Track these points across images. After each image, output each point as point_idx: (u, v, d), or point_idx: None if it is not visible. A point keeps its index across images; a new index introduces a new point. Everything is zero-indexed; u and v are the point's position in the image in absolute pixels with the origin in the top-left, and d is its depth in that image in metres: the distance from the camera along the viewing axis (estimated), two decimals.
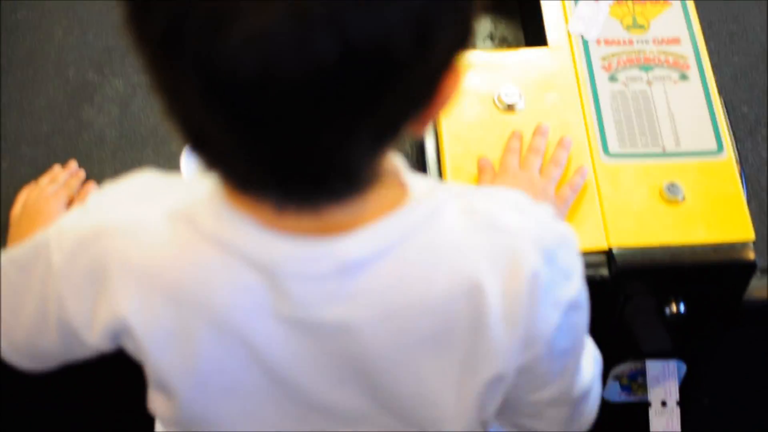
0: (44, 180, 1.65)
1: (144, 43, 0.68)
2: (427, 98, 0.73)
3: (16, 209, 1.58)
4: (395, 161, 0.85)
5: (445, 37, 0.69)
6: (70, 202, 1.61)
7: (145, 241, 0.85)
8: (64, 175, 1.68)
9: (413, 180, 0.85)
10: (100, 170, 1.75)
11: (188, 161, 1.66)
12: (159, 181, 0.89)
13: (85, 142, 1.79)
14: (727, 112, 1.67)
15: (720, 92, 1.65)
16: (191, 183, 0.93)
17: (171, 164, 1.73)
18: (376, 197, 0.79)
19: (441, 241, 0.83)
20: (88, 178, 1.70)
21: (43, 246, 0.91)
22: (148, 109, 1.85)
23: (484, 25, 1.91)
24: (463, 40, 0.73)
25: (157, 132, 1.83)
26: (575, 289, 0.91)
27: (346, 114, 0.67)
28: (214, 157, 0.74)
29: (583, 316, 0.94)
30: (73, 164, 1.71)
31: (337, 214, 0.78)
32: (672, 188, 1.49)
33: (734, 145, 1.59)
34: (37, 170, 1.69)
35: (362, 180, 0.76)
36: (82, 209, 0.92)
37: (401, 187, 0.84)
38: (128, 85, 1.88)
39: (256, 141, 0.69)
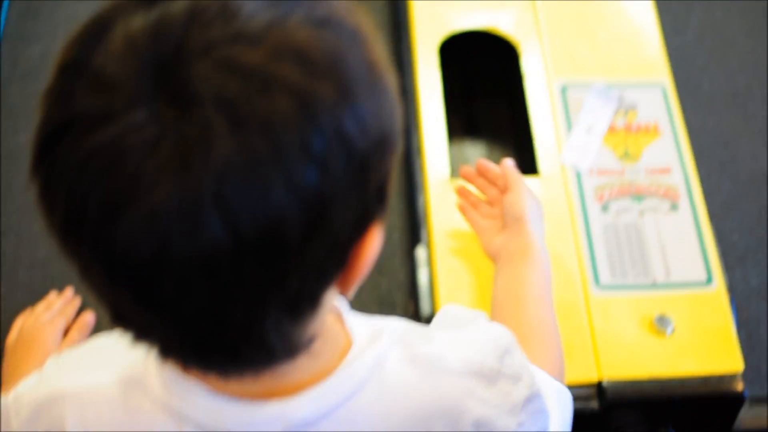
0: (40, 307, 1.64)
1: (50, 226, 0.66)
2: (339, 268, 0.71)
3: (12, 336, 1.58)
4: (335, 306, 0.83)
5: (345, 214, 0.66)
6: (66, 330, 1.61)
7: (100, 408, 0.84)
8: (60, 303, 1.67)
9: (355, 326, 0.84)
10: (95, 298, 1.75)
11: None
12: (116, 345, 0.88)
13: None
14: (718, 240, 1.68)
15: (710, 220, 1.67)
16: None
17: None
18: (316, 355, 0.77)
19: (387, 394, 0.82)
20: (83, 305, 1.69)
21: (4, 412, 0.91)
22: None
23: (474, 149, 1.94)
24: (370, 213, 0.70)
25: None
26: (528, 387, 0.91)
27: (250, 293, 0.65)
28: (133, 330, 0.72)
29: (545, 421, 0.95)
30: (69, 291, 1.71)
31: (279, 377, 0.77)
32: (662, 321, 1.50)
33: (724, 275, 1.59)
34: (33, 296, 1.68)
35: (287, 348, 0.72)
36: (39, 375, 0.91)
37: (343, 336, 0.83)
38: None
39: (164, 319, 0.67)
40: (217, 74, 0.60)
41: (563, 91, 1.76)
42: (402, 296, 1.79)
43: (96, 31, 0.65)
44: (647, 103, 1.77)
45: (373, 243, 0.71)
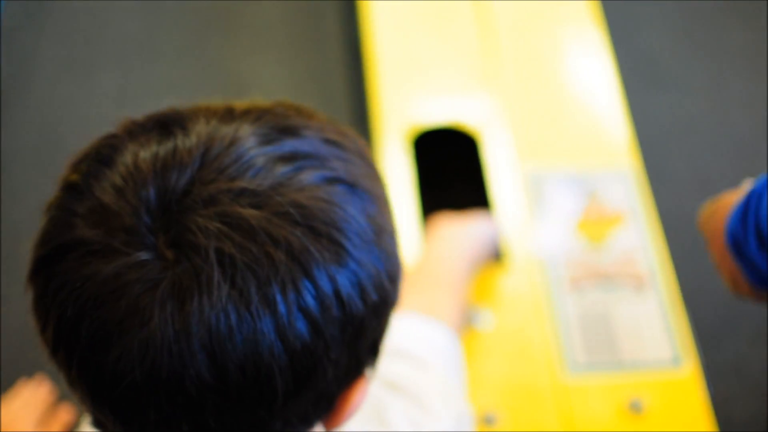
0: (5, 399, 1.62)
1: (41, 336, 0.68)
2: (324, 414, 0.71)
3: None
4: None
5: (335, 371, 0.67)
6: (41, 418, 1.58)
7: None
8: (29, 393, 1.65)
9: None
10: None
11: None
12: None
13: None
14: (689, 319, 1.68)
15: (684, 300, 1.67)
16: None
17: None
18: None
19: None
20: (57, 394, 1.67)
21: None
22: None
23: None
24: (360, 366, 0.71)
25: None
26: None
27: (232, 428, 0.65)
28: None
29: None
30: (40, 380, 1.69)
31: None
32: (635, 403, 1.49)
33: (697, 355, 1.59)
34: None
35: None
36: None
37: None
38: None
39: None
40: (218, 227, 0.61)
41: (531, 179, 1.78)
42: None
43: (101, 155, 0.67)
44: (615, 189, 1.79)
45: (361, 390, 0.72)
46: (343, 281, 0.64)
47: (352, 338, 0.66)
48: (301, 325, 0.62)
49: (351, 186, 0.67)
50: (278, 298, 0.61)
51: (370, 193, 0.68)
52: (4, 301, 1.82)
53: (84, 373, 0.64)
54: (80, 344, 0.63)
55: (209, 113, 0.68)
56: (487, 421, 1.46)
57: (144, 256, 0.62)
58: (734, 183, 2.26)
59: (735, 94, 2.50)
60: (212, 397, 0.62)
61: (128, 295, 0.61)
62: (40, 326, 0.67)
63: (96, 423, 0.70)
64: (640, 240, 1.72)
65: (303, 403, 0.67)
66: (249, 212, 0.62)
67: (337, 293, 0.64)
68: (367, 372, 0.72)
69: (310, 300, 0.62)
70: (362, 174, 0.69)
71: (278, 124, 0.68)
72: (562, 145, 1.86)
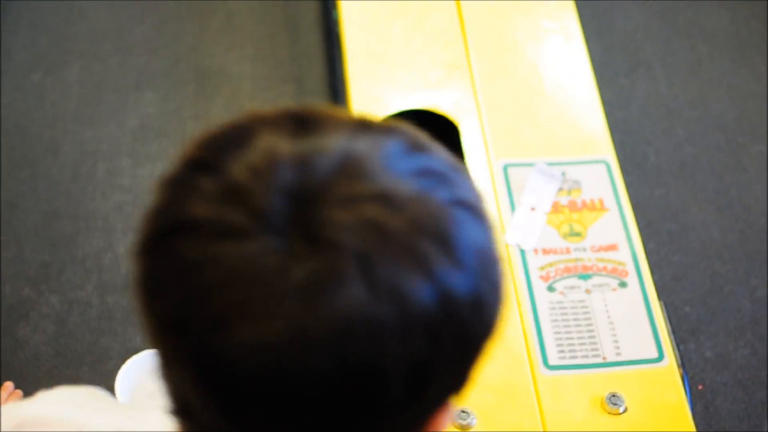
0: None
1: (146, 311, 0.66)
2: (413, 430, 0.72)
3: None
4: None
5: (438, 388, 0.67)
6: None
7: None
8: (2, 397, 1.63)
9: None
10: (35, 390, 1.71)
11: (123, 381, 1.63)
12: (107, 399, 0.87)
13: (20, 360, 1.75)
14: (669, 313, 1.66)
15: (661, 293, 1.65)
16: (140, 411, 0.90)
17: (107, 383, 1.70)
18: None
19: None
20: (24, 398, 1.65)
21: None
22: (84, 326, 1.83)
23: None
24: (458, 387, 0.71)
25: (93, 350, 1.80)
26: None
27: (324, 425, 0.65)
28: (194, 428, 0.71)
29: None
30: (8, 385, 1.67)
31: None
32: (613, 399, 1.47)
33: (676, 349, 1.58)
34: None
35: None
36: (29, 400, 0.89)
37: None
38: (64, 302, 1.86)
39: (237, 428, 0.67)
40: (358, 228, 0.61)
41: (505, 169, 1.76)
42: None
43: (234, 137, 0.65)
44: (591, 179, 1.77)
45: (445, 416, 0.72)
46: (464, 300, 0.64)
47: (460, 358, 0.67)
48: (424, 335, 0.62)
49: (474, 212, 0.67)
50: (408, 303, 0.61)
51: (487, 221, 0.69)
52: None
53: (197, 353, 0.63)
54: (199, 325, 0.62)
55: (343, 119, 0.67)
56: (462, 418, 1.44)
57: (276, 242, 0.60)
58: (712, 169, 2.25)
59: (714, 77, 2.48)
60: (324, 396, 0.62)
61: (257, 281, 0.60)
62: (146, 300, 0.65)
63: (181, 411, 0.70)
64: (618, 232, 1.70)
65: (405, 418, 0.67)
66: (387, 217, 0.61)
67: (457, 310, 0.64)
68: (452, 399, 0.72)
69: (435, 311, 0.62)
70: (481, 203, 0.69)
71: (411, 141, 0.67)
72: (537, 134, 1.84)
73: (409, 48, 1.96)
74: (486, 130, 1.82)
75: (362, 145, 0.64)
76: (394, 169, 0.64)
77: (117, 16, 2.45)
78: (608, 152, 1.82)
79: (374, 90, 1.88)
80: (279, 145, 0.63)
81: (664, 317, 1.61)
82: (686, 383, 1.56)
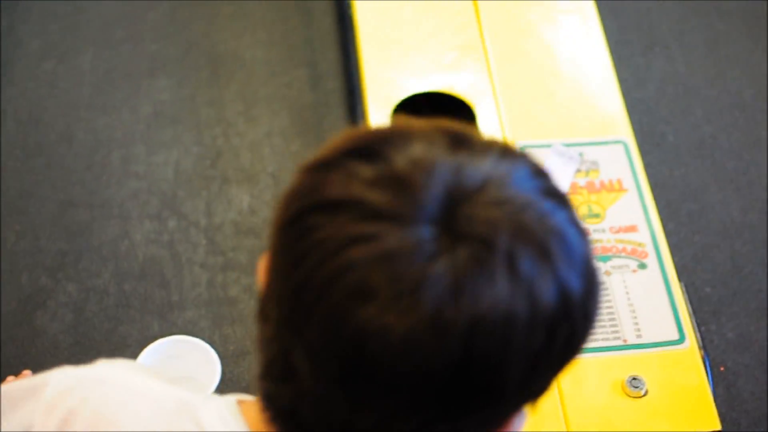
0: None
1: (283, 283, 0.71)
2: (492, 429, 0.76)
3: None
4: None
5: (537, 385, 0.72)
6: None
7: (145, 408, 0.84)
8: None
9: None
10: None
11: None
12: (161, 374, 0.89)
13: (38, 349, 1.75)
14: (690, 294, 1.65)
15: (681, 274, 1.64)
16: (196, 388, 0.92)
17: None
18: None
19: None
20: None
21: (42, 383, 0.87)
22: (102, 314, 1.83)
23: None
24: (537, 394, 0.75)
25: (111, 338, 1.80)
26: None
27: (426, 414, 0.70)
28: (287, 394, 0.75)
29: None
30: (27, 374, 1.67)
31: None
32: (634, 382, 1.46)
33: (697, 331, 1.56)
34: None
35: None
36: (90, 365, 0.89)
37: None
38: (82, 290, 1.86)
39: (346, 406, 0.71)
40: (506, 226, 0.66)
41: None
42: None
43: (395, 136, 0.71)
44: (609, 160, 1.75)
45: (519, 420, 0.77)
46: (577, 302, 0.69)
47: (562, 358, 0.72)
48: (544, 330, 0.67)
49: (586, 237, 0.73)
50: (539, 299, 0.66)
51: (593, 247, 0.75)
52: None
53: (329, 318, 0.67)
54: (338, 291, 0.66)
55: (491, 143, 0.73)
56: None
57: (426, 231, 0.65)
58: (731, 148, 2.23)
59: (731, 55, 2.46)
60: (446, 378, 0.66)
61: (404, 262, 0.65)
62: (287, 265, 0.70)
63: (282, 375, 0.73)
64: (637, 213, 1.68)
65: (503, 408, 0.72)
66: (532, 222, 0.68)
67: (571, 310, 0.69)
68: (530, 404, 0.77)
69: (557, 309, 0.68)
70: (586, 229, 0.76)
71: (536, 165, 0.74)
72: (553, 115, 1.82)
73: (422, 30, 1.94)
74: (502, 111, 1.80)
75: (506, 165, 0.70)
76: (530, 186, 0.70)
77: (128, 2, 2.44)
78: (626, 132, 1.80)
79: (388, 73, 1.86)
80: (437, 150, 0.69)
81: (685, 299, 1.59)
82: (707, 365, 1.54)
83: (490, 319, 0.65)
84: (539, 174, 0.73)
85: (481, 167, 0.69)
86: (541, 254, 0.67)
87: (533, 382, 0.71)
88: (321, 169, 0.71)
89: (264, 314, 0.75)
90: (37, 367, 1.69)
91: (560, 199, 0.73)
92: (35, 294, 1.85)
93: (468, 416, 0.70)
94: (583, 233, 0.73)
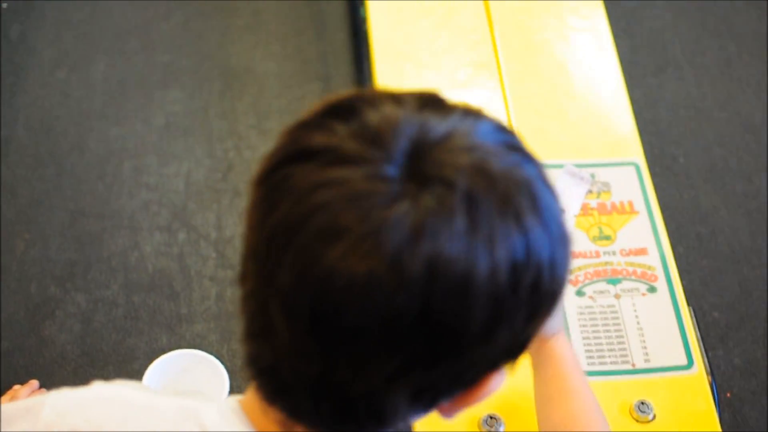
0: (4, 400, 1.60)
1: (257, 234, 0.74)
2: (465, 388, 0.79)
3: None
4: None
5: (505, 338, 0.74)
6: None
7: (147, 422, 0.85)
8: (25, 394, 1.63)
9: None
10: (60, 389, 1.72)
11: (150, 381, 1.62)
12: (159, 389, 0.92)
13: (46, 359, 1.75)
14: (697, 318, 1.64)
15: (690, 298, 1.63)
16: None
17: (133, 380, 1.70)
18: None
19: None
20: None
21: (38, 403, 0.88)
22: (110, 326, 1.83)
23: None
24: (511, 353, 0.78)
25: (119, 349, 1.80)
26: None
27: (397, 366, 0.72)
28: (265, 353, 0.78)
29: None
30: (34, 383, 1.67)
31: None
32: (642, 406, 1.46)
33: (705, 356, 1.56)
34: None
35: (387, 425, 0.79)
36: (86, 387, 0.90)
37: None
38: (90, 300, 1.86)
39: (317, 354, 0.73)
40: (468, 170, 0.70)
41: None
42: None
43: (370, 96, 0.75)
44: (621, 182, 1.75)
45: (498, 379, 0.80)
46: (545, 253, 0.72)
47: (530, 310, 0.74)
48: (507, 273, 0.70)
49: (553, 192, 0.77)
50: (499, 242, 0.69)
51: (561, 203, 0.78)
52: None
53: (298, 260, 0.70)
54: (306, 233, 0.70)
55: (456, 104, 0.77)
56: (490, 425, 1.43)
57: (391, 170, 0.69)
58: (741, 172, 2.23)
59: (744, 77, 2.46)
60: (410, 320, 0.69)
61: (368, 202, 0.68)
62: (260, 215, 0.74)
63: (259, 333, 0.76)
64: (647, 236, 1.68)
65: (471, 358, 0.74)
66: (497, 169, 0.71)
67: (539, 259, 0.72)
68: (507, 364, 0.79)
69: (520, 254, 0.70)
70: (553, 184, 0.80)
71: (501, 123, 0.78)
72: (566, 135, 1.82)
73: (436, 47, 1.95)
74: (514, 130, 1.80)
75: (470, 121, 0.75)
76: (494, 139, 0.74)
77: (142, 13, 2.45)
78: (638, 154, 1.80)
79: (399, 83, 1.86)
80: (406, 109, 0.74)
81: (693, 323, 1.59)
82: (715, 391, 1.54)
83: (448, 260, 0.68)
84: (504, 130, 0.77)
85: (446, 122, 0.73)
86: (504, 199, 0.70)
87: (500, 330, 0.72)
88: (300, 128, 0.74)
89: (243, 273, 0.78)
90: (44, 377, 1.70)
91: (527, 155, 0.76)
92: (43, 303, 1.85)
93: (438, 364, 0.73)
94: (553, 193, 0.76)
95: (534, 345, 1.34)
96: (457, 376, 0.76)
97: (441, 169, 0.70)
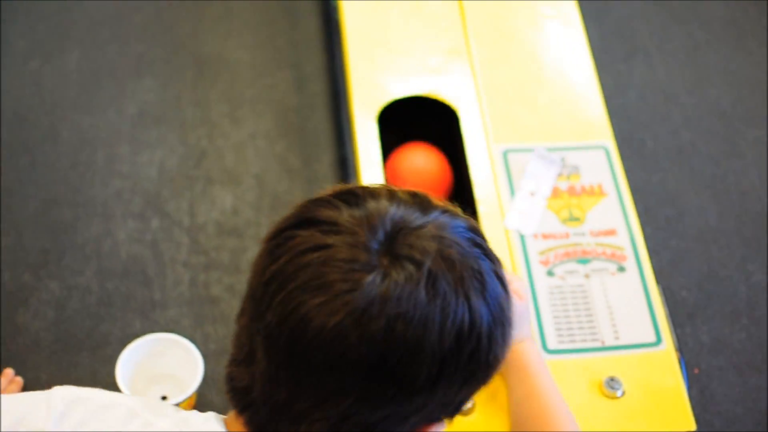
0: None
1: (257, 278, 0.88)
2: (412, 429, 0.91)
3: None
4: None
5: (445, 392, 0.87)
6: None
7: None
8: (2, 384, 1.64)
9: None
10: (35, 375, 1.72)
11: (124, 366, 1.63)
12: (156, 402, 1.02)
13: (20, 346, 1.76)
14: (666, 297, 1.67)
15: (659, 278, 1.66)
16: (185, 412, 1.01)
17: (106, 368, 1.71)
18: None
19: None
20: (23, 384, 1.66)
21: (44, 396, 0.95)
22: (84, 312, 1.83)
23: None
24: (453, 407, 0.92)
25: (93, 335, 1.80)
26: None
27: (355, 396, 0.84)
28: (244, 377, 0.90)
29: None
30: (8, 372, 1.68)
31: None
32: (612, 383, 1.48)
33: (673, 333, 1.58)
34: None
35: None
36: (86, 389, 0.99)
37: None
38: (64, 288, 1.87)
39: (284, 386, 0.86)
40: (434, 255, 0.85)
41: (505, 155, 1.76)
42: None
43: (373, 190, 0.91)
44: (590, 165, 1.77)
45: (437, 429, 0.93)
46: (485, 330, 0.87)
47: (466, 374, 0.88)
48: (452, 339, 0.84)
49: (504, 287, 0.93)
50: (449, 313, 0.84)
51: (510, 301, 0.94)
52: None
53: (284, 304, 0.84)
54: (296, 283, 0.84)
55: (439, 205, 0.93)
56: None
57: (373, 244, 0.85)
58: (709, 155, 2.26)
59: (711, 63, 2.49)
60: (367, 362, 0.82)
61: (348, 265, 0.83)
62: (263, 264, 0.88)
63: (244, 360, 0.89)
64: (617, 217, 1.71)
65: (413, 405, 0.87)
66: (456, 255, 0.87)
67: (479, 334, 0.87)
68: (445, 419, 0.93)
69: (465, 326, 0.85)
70: (507, 290, 0.94)
71: (474, 226, 0.93)
72: (536, 120, 1.84)
73: (408, 33, 1.96)
74: (486, 115, 1.82)
75: (446, 218, 0.90)
76: (462, 235, 0.90)
77: (115, 3, 2.45)
78: (607, 138, 1.82)
79: (374, 76, 1.88)
80: (398, 203, 0.89)
81: (662, 302, 1.61)
82: (683, 367, 1.56)
83: (409, 318, 0.82)
84: (472, 229, 0.92)
85: (426, 216, 0.89)
86: (459, 281, 0.85)
87: (441, 386, 0.86)
88: (312, 202, 0.90)
89: (242, 310, 0.92)
90: (19, 364, 1.71)
91: (486, 252, 0.92)
92: (17, 291, 1.85)
93: (386, 406, 0.86)
94: (503, 285, 0.92)
95: None
96: (399, 421, 0.88)
97: (412, 250, 0.85)
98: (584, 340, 1.54)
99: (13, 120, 2.17)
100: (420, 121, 1.93)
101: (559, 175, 1.75)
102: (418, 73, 1.90)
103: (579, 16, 2.02)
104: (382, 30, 1.96)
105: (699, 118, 2.35)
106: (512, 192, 1.71)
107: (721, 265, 2.07)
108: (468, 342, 0.86)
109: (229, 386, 0.93)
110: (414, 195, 0.93)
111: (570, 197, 1.73)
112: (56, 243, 1.94)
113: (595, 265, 1.64)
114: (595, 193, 1.74)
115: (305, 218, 0.88)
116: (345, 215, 0.87)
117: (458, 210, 0.95)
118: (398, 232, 0.86)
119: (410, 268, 0.84)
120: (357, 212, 0.88)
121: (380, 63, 1.91)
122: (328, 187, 0.93)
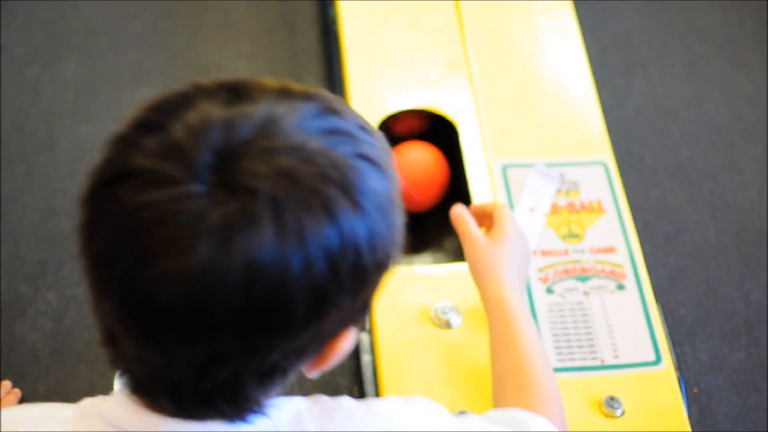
0: None
1: (84, 252, 0.76)
2: (314, 354, 0.84)
3: None
4: None
5: (337, 312, 0.78)
6: None
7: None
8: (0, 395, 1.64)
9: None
10: (32, 387, 1.72)
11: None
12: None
13: (17, 358, 1.75)
14: (665, 315, 1.67)
15: (657, 295, 1.66)
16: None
17: (105, 380, 1.70)
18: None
19: None
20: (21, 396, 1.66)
21: None
22: (82, 324, 1.83)
23: (414, 230, 1.92)
24: (353, 317, 0.83)
25: (91, 347, 1.80)
26: None
27: (240, 354, 0.76)
28: (119, 357, 0.80)
29: None
30: (6, 384, 1.67)
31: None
32: (612, 402, 1.48)
33: (673, 352, 1.58)
34: None
35: (249, 410, 0.83)
36: None
37: None
38: (62, 299, 1.86)
39: (161, 359, 0.77)
40: (272, 176, 0.72)
41: (504, 170, 1.76)
42: (346, 380, 1.76)
43: (178, 103, 0.76)
44: (589, 181, 1.77)
45: (347, 342, 0.85)
46: (362, 235, 0.76)
47: (356, 286, 0.78)
48: (323, 264, 0.73)
49: (375, 164, 0.79)
50: (309, 238, 0.72)
51: (389, 173, 0.81)
52: None
53: (122, 286, 0.73)
54: (124, 260, 0.72)
55: (269, 88, 0.79)
56: (462, 421, 1.44)
57: (198, 188, 0.71)
58: (707, 171, 2.26)
59: (709, 78, 2.49)
60: (236, 321, 0.72)
61: (176, 222, 0.71)
62: (85, 241, 0.76)
63: (107, 341, 0.79)
64: (616, 234, 1.70)
65: (305, 337, 0.78)
66: (298, 165, 0.73)
67: (355, 243, 0.75)
68: (354, 326, 0.85)
69: (334, 243, 0.74)
70: (384, 158, 0.82)
71: (324, 104, 0.79)
72: (536, 135, 1.84)
73: (407, 46, 1.96)
74: (485, 130, 1.82)
75: (281, 110, 0.76)
76: (307, 128, 0.76)
77: (112, 11, 2.45)
78: (606, 153, 1.82)
79: (372, 89, 1.88)
80: (212, 110, 0.75)
81: (662, 320, 1.61)
82: (682, 386, 1.56)
83: (261, 266, 0.71)
84: (329, 111, 0.79)
85: (253, 117, 0.75)
86: (310, 195, 0.73)
87: (328, 311, 0.77)
88: (116, 143, 0.76)
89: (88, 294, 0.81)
90: (16, 376, 1.70)
91: (347, 134, 0.78)
92: (14, 302, 1.85)
93: (273, 349, 0.77)
94: (376, 167, 0.79)
95: (483, 295, 1.35)
96: (298, 353, 0.81)
97: (245, 177, 0.72)
98: (584, 359, 1.53)
99: (10, 128, 2.16)
100: (419, 134, 1.93)
101: (559, 191, 1.75)
102: (416, 87, 1.90)
103: (578, 29, 2.02)
104: (381, 43, 1.96)
105: (697, 134, 2.35)
106: (511, 207, 1.71)
107: (720, 283, 2.07)
108: (345, 258, 0.75)
109: (113, 368, 0.83)
110: (232, 86, 0.78)
111: (569, 213, 1.72)
112: (54, 253, 1.93)
113: (595, 282, 1.63)
114: (594, 209, 1.74)
115: (108, 175, 0.74)
116: (152, 156, 0.73)
117: (303, 87, 0.81)
118: (223, 158, 0.72)
119: (247, 201, 0.71)
120: (166, 146, 0.73)
121: (379, 76, 1.90)
122: (129, 116, 0.78)
